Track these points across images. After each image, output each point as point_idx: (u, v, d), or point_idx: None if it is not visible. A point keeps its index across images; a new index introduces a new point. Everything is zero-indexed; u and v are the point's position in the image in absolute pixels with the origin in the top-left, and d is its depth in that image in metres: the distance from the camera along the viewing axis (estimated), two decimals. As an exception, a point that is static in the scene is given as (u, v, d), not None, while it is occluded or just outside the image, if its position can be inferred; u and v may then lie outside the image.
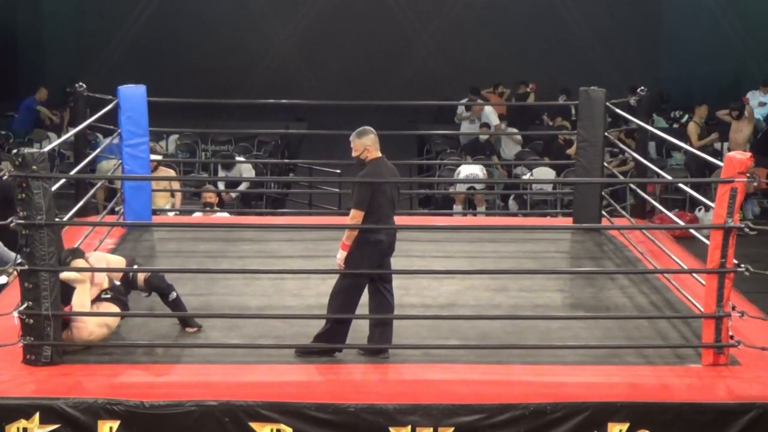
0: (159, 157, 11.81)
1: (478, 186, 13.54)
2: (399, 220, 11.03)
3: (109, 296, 6.57)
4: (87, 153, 9.48)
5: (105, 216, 9.49)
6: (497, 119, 16.73)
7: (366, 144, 6.37)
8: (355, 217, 6.26)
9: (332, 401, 5.79)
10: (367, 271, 6.41)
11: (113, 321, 6.51)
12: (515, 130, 16.17)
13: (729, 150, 14.67)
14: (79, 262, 6.53)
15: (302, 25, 20.71)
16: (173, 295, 6.82)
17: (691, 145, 14.76)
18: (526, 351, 6.50)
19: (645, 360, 6.42)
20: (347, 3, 20.47)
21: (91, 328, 6.33)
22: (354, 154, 6.39)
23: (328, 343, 6.38)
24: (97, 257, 6.85)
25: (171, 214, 10.57)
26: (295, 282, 7.61)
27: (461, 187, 13.48)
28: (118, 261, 6.98)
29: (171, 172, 11.66)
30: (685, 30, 20.59)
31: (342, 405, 5.77)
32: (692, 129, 15.96)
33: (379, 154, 6.41)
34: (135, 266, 6.93)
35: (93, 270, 6.54)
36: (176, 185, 11.48)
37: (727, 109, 16.17)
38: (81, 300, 6.37)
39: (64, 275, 6.29)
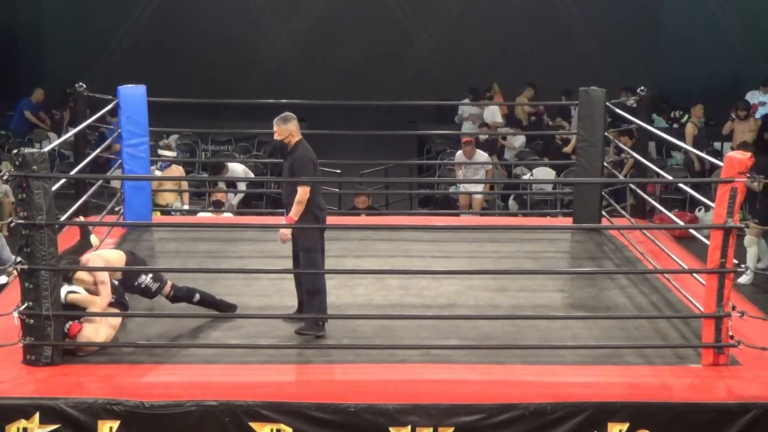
0: (173, 154, 11.92)
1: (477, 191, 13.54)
2: (399, 219, 11.10)
3: (111, 300, 6.59)
4: (87, 153, 9.49)
5: (105, 216, 9.48)
6: (500, 117, 16.73)
7: (291, 129, 6.79)
8: (306, 193, 6.65)
9: (332, 401, 5.79)
10: (372, 270, 6.42)
11: (117, 322, 6.53)
12: (511, 130, 16.18)
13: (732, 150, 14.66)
14: (81, 275, 6.54)
15: (302, 25, 20.71)
16: (197, 297, 6.93)
17: (690, 144, 14.80)
18: (526, 351, 6.50)
19: (645, 360, 6.42)
20: (347, 3, 20.47)
21: (104, 332, 6.37)
22: (277, 137, 6.81)
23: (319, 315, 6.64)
24: (94, 260, 6.78)
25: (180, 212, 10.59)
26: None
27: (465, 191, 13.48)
28: (117, 257, 6.96)
29: (182, 171, 11.72)
30: (685, 30, 20.59)
31: (342, 405, 5.77)
32: (690, 130, 15.92)
33: (300, 137, 6.81)
34: (135, 260, 6.97)
35: (89, 268, 6.55)
36: (185, 184, 11.53)
37: (731, 110, 16.18)
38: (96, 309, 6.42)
39: (71, 298, 6.35)
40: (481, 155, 13.48)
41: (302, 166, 6.73)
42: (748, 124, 16.03)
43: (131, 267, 6.87)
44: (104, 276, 6.56)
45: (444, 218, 11.88)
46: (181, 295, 6.95)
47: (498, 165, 14.83)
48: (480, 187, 13.54)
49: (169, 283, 6.93)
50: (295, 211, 6.67)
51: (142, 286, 6.85)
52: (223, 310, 6.99)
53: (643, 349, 6.56)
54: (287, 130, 6.76)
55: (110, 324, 6.45)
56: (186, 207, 11.27)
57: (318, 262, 6.78)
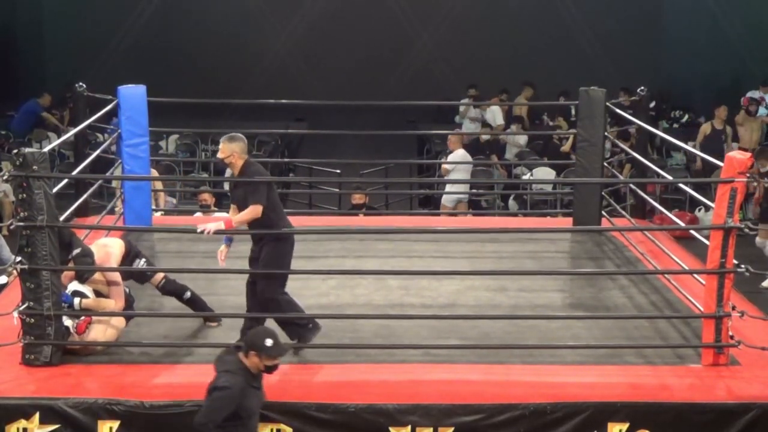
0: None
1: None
2: (399, 220, 11.09)
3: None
4: (87, 153, 9.49)
5: (104, 216, 9.48)
6: (501, 119, 16.72)
7: (234, 150, 6.49)
8: (257, 211, 6.38)
9: (332, 401, 5.79)
10: (378, 270, 6.41)
11: (122, 323, 6.53)
12: (514, 128, 16.17)
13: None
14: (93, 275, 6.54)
15: (302, 25, 20.71)
16: (188, 294, 6.88)
17: (698, 142, 14.88)
18: (526, 351, 6.50)
19: (645, 360, 6.42)
20: (347, 3, 20.47)
21: (109, 333, 6.38)
22: (220, 155, 6.53)
23: (302, 333, 6.44)
24: (99, 254, 6.74)
25: (158, 213, 10.49)
26: (294, 282, 7.54)
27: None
28: (118, 246, 6.92)
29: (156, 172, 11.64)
30: (685, 30, 20.59)
31: (342, 405, 5.77)
32: (705, 128, 15.79)
33: (246, 157, 6.55)
34: (136, 252, 6.94)
35: (102, 269, 6.55)
36: (159, 185, 11.42)
37: (746, 102, 16.18)
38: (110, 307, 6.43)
39: (85, 304, 6.36)
40: (464, 155, 13.22)
41: (257, 184, 6.42)
42: (754, 123, 16.01)
43: (141, 268, 6.86)
44: (117, 276, 6.55)
45: (444, 218, 11.87)
46: (172, 287, 6.89)
47: (498, 165, 14.84)
48: (463, 188, 13.26)
49: (162, 273, 6.91)
50: (238, 221, 6.45)
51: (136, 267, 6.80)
52: (206, 316, 6.90)
53: (643, 349, 6.56)
54: (230, 149, 6.46)
55: (116, 326, 6.45)
56: (161, 209, 11.13)
57: (281, 287, 6.56)
